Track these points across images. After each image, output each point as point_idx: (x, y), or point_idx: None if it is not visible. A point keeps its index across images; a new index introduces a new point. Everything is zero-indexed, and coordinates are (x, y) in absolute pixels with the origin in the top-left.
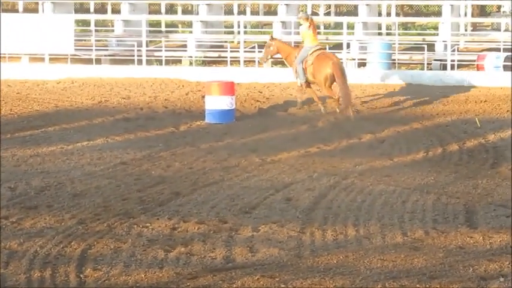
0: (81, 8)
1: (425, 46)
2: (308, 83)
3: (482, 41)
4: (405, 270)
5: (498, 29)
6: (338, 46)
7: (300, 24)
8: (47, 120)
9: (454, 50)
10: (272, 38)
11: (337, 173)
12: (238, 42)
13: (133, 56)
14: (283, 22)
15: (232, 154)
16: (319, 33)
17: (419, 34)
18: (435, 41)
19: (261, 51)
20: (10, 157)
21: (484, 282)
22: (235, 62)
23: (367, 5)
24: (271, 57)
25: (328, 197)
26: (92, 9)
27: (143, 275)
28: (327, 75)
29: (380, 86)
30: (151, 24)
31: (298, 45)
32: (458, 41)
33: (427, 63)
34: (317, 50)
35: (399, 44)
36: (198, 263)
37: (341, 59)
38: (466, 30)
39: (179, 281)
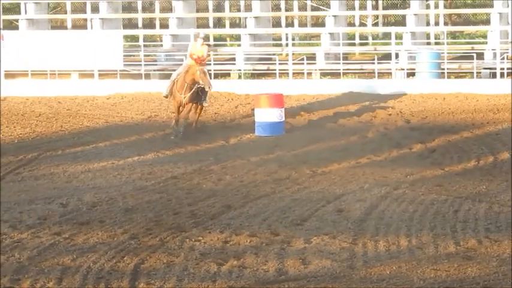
0: (130, 24)
1: (475, 55)
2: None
3: None
4: (458, 280)
5: None
6: (386, 56)
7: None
8: (97, 136)
9: (503, 58)
10: None
11: (388, 183)
12: (287, 55)
13: None
14: (331, 34)
15: (283, 166)
16: (367, 44)
17: (468, 43)
18: (484, 50)
19: (310, 63)
20: (61, 173)
21: None
22: (284, 74)
23: (415, 14)
24: None
25: (380, 208)
26: (140, 25)
27: None
28: None
29: (429, 95)
30: None
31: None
32: (507, 49)
33: (477, 72)
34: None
35: (448, 53)
36: (250, 275)
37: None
38: None
39: None
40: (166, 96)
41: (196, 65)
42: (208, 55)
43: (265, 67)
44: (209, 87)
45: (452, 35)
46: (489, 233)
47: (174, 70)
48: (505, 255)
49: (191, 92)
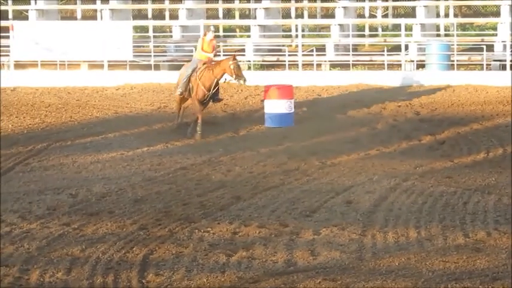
0: (139, 14)
1: (484, 47)
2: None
3: None
4: (467, 272)
5: None
6: (396, 48)
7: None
8: (106, 127)
9: None
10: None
11: (397, 175)
12: (296, 46)
13: None
14: (340, 25)
15: (292, 158)
16: (377, 35)
17: (477, 35)
18: (494, 42)
19: (319, 54)
20: (71, 164)
21: None
22: (293, 65)
23: (424, 6)
24: None
25: (389, 199)
26: (150, 15)
27: (205, 280)
28: None
29: (439, 87)
30: None
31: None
32: None
33: (487, 64)
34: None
35: (458, 45)
36: (259, 266)
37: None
38: None
39: (241, 285)
40: (181, 94)
41: (229, 59)
42: (218, 45)
43: (274, 58)
44: (245, 81)
45: (462, 27)
46: (498, 225)
47: (183, 61)
48: None
49: (216, 88)
